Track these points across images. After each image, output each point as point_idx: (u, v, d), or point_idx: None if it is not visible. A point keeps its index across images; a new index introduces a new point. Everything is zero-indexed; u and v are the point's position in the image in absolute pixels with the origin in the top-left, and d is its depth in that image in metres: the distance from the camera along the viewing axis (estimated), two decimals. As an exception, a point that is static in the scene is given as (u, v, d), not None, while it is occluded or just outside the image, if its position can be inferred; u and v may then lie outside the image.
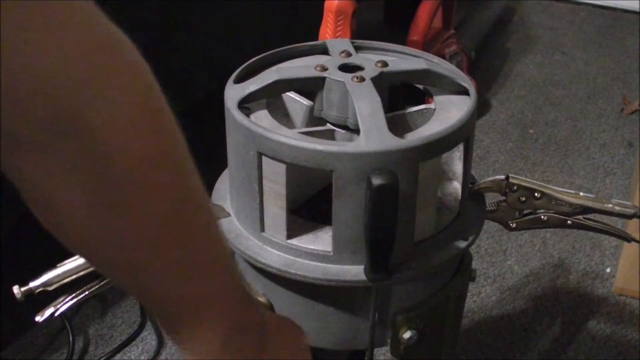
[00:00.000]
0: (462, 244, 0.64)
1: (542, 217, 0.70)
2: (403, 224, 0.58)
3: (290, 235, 0.61)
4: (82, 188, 0.35)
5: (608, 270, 1.37)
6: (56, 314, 0.62)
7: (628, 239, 0.74)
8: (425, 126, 0.62)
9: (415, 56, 0.70)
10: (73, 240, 0.38)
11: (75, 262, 0.62)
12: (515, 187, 0.68)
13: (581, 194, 0.69)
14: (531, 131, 1.81)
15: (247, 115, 0.61)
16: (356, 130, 0.61)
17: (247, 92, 0.62)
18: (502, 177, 0.68)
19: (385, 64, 0.64)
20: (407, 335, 0.64)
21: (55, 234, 0.37)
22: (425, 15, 1.63)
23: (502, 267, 1.37)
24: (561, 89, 2.00)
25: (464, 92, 0.66)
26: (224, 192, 0.68)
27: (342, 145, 0.57)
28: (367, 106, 0.59)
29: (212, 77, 1.48)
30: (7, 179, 0.35)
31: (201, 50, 1.47)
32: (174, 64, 1.41)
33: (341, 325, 0.64)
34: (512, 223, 0.70)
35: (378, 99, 0.59)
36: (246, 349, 0.46)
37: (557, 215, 0.69)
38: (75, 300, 0.63)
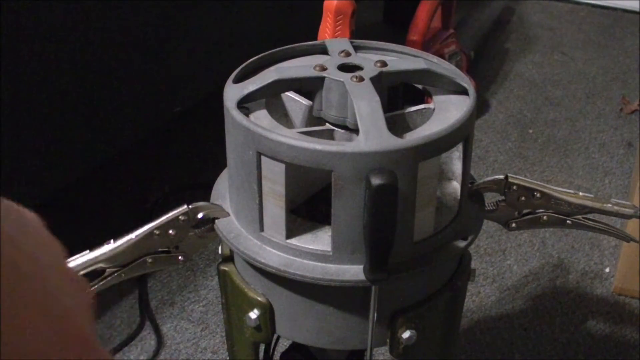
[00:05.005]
0: (462, 244, 0.64)
1: (542, 216, 0.70)
2: (402, 223, 0.58)
3: (289, 235, 0.61)
4: None
5: (607, 270, 1.37)
6: (55, 314, 0.62)
7: (627, 238, 0.74)
8: (425, 126, 0.62)
9: (415, 56, 0.70)
10: None
11: (73, 262, 0.62)
12: (514, 187, 0.68)
13: (580, 193, 0.69)
14: (530, 131, 1.81)
15: (247, 115, 0.61)
16: (355, 130, 0.61)
17: (246, 92, 0.62)
18: (502, 176, 0.68)
19: (384, 64, 0.64)
20: (406, 335, 0.64)
21: None
22: (425, 15, 1.63)
23: (501, 267, 1.37)
24: (560, 88, 2.00)
25: (463, 92, 0.66)
26: (223, 191, 0.68)
27: (341, 145, 0.57)
28: (366, 106, 0.59)
29: (211, 77, 1.48)
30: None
31: (201, 50, 1.47)
32: (174, 64, 1.41)
33: (340, 324, 0.64)
34: (512, 223, 0.70)
35: (377, 98, 0.59)
36: None
37: (556, 215, 0.69)
38: (74, 300, 0.63)
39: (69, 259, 0.61)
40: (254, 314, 0.65)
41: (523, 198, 0.68)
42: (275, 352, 0.78)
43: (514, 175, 0.68)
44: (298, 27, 1.61)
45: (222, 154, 0.64)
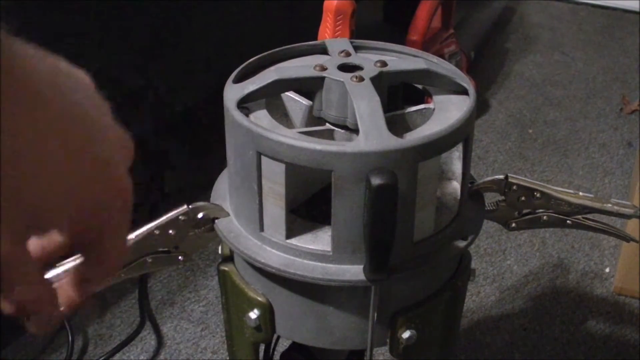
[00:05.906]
0: (462, 244, 0.64)
1: (542, 216, 0.70)
2: (402, 223, 0.58)
3: (289, 235, 0.61)
4: None
5: (607, 270, 1.37)
6: (55, 314, 0.62)
7: (627, 238, 0.74)
8: (425, 126, 0.62)
9: (415, 56, 0.70)
10: None
11: (74, 261, 0.62)
12: (514, 187, 0.68)
13: (580, 193, 0.69)
14: (530, 131, 1.81)
15: (247, 115, 0.61)
16: (355, 130, 0.61)
17: (246, 92, 0.62)
18: (502, 176, 0.68)
19: (384, 64, 0.64)
20: (406, 335, 0.64)
21: None
22: (425, 15, 1.63)
23: (501, 267, 1.37)
24: (560, 88, 2.00)
25: (463, 91, 0.66)
26: (223, 191, 0.68)
27: (341, 145, 0.57)
28: (366, 106, 0.59)
29: (211, 77, 1.48)
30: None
31: (200, 50, 1.47)
32: (174, 64, 1.41)
33: (340, 324, 0.64)
34: (512, 223, 0.70)
35: (377, 98, 0.59)
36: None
37: (556, 215, 0.69)
38: (74, 300, 0.63)
39: (68, 260, 0.61)
40: (254, 314, 0.65)
41: (523, 198, 0.68)
42: (275, 352, 0.78)
43: (514, 175, 0.68)
44: (298, 27, 1.61)
45: (222, 154, 0.64)
